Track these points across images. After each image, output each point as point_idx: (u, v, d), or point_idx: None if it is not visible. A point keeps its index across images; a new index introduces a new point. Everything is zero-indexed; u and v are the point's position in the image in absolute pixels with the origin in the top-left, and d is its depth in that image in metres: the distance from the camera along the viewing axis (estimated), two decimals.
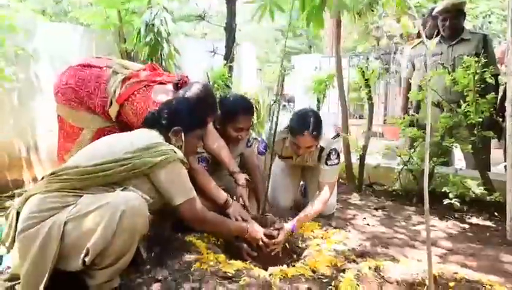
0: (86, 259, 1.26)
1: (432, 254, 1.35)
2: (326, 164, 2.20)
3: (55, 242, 1.26)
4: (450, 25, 3.04)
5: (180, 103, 1.74)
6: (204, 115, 1.79)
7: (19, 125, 3.20)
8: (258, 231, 1.82)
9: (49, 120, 3.18)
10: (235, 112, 2.10)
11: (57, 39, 3.39)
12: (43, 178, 1.42)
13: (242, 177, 2.05)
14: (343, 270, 1.62)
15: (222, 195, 1.94)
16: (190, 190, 1.56)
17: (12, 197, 2.74)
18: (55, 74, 3.34)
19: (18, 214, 1.35)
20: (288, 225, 1.96)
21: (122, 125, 2.11)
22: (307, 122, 1.99)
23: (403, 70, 4.45)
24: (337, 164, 2.22)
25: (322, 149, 2.21)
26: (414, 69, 3.40)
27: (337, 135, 2.27)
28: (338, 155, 2.22)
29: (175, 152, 1.51)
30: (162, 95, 2.00)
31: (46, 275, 1.25)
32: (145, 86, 2.02)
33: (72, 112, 2.09)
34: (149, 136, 1.57)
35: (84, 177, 1.36)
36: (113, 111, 2.05)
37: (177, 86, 2.02)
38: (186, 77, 2.07)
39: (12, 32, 2.61)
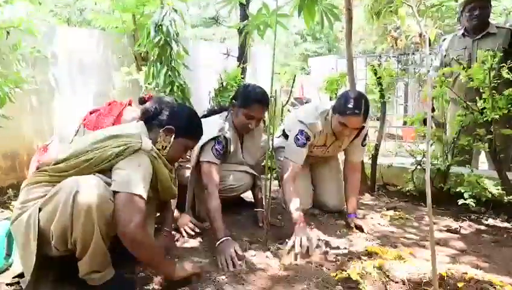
0: (53, 243, 1.30)
1: (435, 251, 1.29)
2: (363, 144, 2.34)
3: (33, 231, 1.31)
4: (479, 15, 2.85)
5: (183, 108, 1.73)
6: (200, 129, 1.73)
7: (37, 125, 3.31)
8: (187, 267, 1.52)
9: (66, 120, 3.32)
10: (250, 99, 2.12)
11: (75, 42, 3.51)
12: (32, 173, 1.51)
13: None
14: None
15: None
16: (135, 184, 1.34)
17: None
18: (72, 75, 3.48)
19: None
20: (350, 216, 2.24)
21: None
22: (360, 103, 1.96)
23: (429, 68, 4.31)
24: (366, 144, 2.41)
25: (362, 128, 2.21)
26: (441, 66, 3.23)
27: None
28: None
29: (140, 141, 1.43)
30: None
31: (33, 261, 1.30)
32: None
33: None
34: (128, 127, 1.53)
35: (57, 173, 1.40)
36: None
37: (143, 101, 1.94)
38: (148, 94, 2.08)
39: (30, 35, 2.71)
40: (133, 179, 1.35)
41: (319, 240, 1.95)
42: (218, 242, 1.75)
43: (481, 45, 2.86)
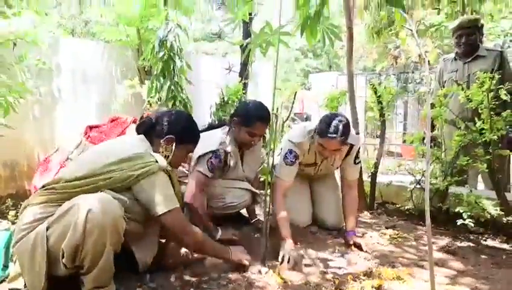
0: (64, 260, 1.29)
1: (434, 271, 1.29)
2: (355, 162, 2.34)
3: (41, 250, 1.30)
4: (466, 42, 3.00)
5: (179, 114, 1.77)
6: (198, 132, 1.79)
7: (38, 135, 3.33)
8: (241, 256, 1.76)
9: (68, 131, 3.33)
10: (252, 118, 2.16)
11: (79, 54, 3.56)
12: (35, 192, 1.49)
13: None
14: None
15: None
16: (172, 199, 1.51)
17: None
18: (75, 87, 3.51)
19: None
20: (349, 234, 2.23)
21: None
22: (336, 126, 2.01)
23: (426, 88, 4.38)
24: (360, 161, 2.40)
25: (351, 147, 2.27)
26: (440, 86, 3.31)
27: (357, 133, 2.36)
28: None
29: (157, 162, 1.49)
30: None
31: (43, 281, 1.30)
32: None
33: None
34: (133, 145, 1.56)
35: (68, 191, 1.40)
36: None
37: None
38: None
39: (35, 47, 2.75)
40: (168, 196, 1.50)
41: (315, 259, 1.98)
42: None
43: (471, 68, 2.97)
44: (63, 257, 1.29)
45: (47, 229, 1.32)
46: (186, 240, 1.61)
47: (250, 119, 2.16)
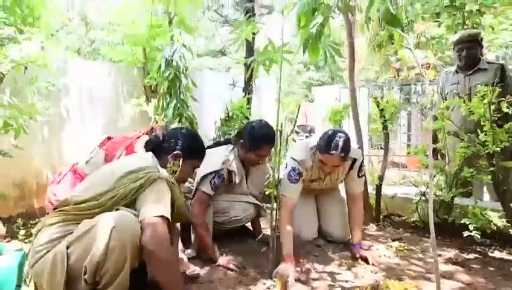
0: (86, 277, 1.32)
1: (441, 283, 1.31)
2: (359, 175, 2.37)
3: (61, 268, 1.34)
4: (466, 55, 3.04)
5: (185, 131, 1.85)
6: (203, 148, 1.87)
7: (48, 155, 3.39)
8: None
9: (76, 150, 3.39)
10: (259, 140, 2.22)
11: (86, 75, 3.64)
12: (48, 213, 1.53)
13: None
14: None
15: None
16: (164, 207, 1.46)
17: None
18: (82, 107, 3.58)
19: None
20: (355, 247, 2.27)
21: None
22: (336, 143, 2.05)
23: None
24: (364, 174, 2.41)
25: (354, 161, 2.30)
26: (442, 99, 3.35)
27: (359, 147, 2.43)
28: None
29: (158, 170, 1.53)
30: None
31: None
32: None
33: None
34: (137, 161, 1.60)
35: (79, 213, 1.44)
36: None
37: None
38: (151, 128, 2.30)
39: (45, 69, 2.83)
40: (161, 203, 1.47)
41: (322, 272, 2.01)
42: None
43: (472, 80, 3.01)
44: (85, 274, 1.33)
45: (67, 248, 1.36)
46: (158, 258, 1.40)
47: (257, 143, 2.22)
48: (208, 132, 3.97)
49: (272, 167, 2.49)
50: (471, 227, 2.33)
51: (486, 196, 3.22)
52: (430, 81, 3.35)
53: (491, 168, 2.46)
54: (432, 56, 6.05)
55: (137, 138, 2.33)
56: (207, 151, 1.90)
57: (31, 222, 2.98)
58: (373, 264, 2.12)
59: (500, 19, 5.00)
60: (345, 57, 3.37)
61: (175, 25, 3.76)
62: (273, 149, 2.25)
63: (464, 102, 2.58)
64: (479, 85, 2.62)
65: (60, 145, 3.47)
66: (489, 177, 2.50)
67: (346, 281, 1.90)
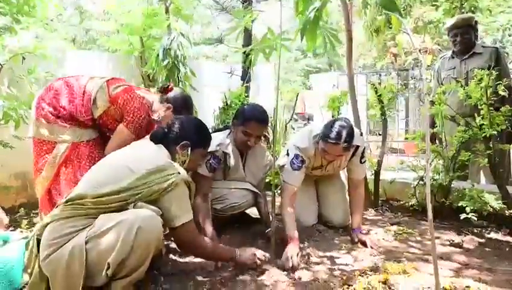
0: (108, 272, 1.36)
1: (438, 265, 1.35)
2: (361, 161, 2.39)
3: (80, 262, 1.35)
4: (461, 40, 3.06)
5: (190, 120, 1.85)
6: (209, 136, 1.89)
7: None
8: (245, 259, 1.80)
9: None
10: (247, 117, 2.23)
11: (84, 65, 3.63)
12: (57, 206, 1.52)
13: None
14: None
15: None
16: (188, 211, 1.59)
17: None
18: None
19: (38, 241, 1.45)
20: (355, 231, 2.30)
21: (98, 139, 2.25)
22: (339, 132, 2.05)
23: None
24: (366, 160, 2.48)
25: (356, 148, 2.31)
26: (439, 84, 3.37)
27: (361, 133, 2.44)
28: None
29: (179, 173, 1.54)
30: (149, 95, 2.25)
31: None
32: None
33: (49, 125, 2.13)
34: (155, 157, 1.60)
35: (96, 207, 1.44)
36: (97, 113, 2.16)
37: (163, 90, 2.24)
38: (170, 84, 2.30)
39: (44, 60, 2.82)
40: (186, 208, 1.58)
41: (323, 256, 2.05)
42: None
43: (468, 65, 3.04)
44: (107, 269, 1.35)
45: (85, 243, 1.37)
46: (195, 253, 1.78)
47: (244, 119, 2.23)
48: (206, 120, 3.97)
49: (271, 155, 2.53)
50: (468, 209, 2.38)
51: (483, 180, 3.27)
52: (428, 66, 3.36)
53: (488, 151, 2.49)
54: (430, 41, 6.05)
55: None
56: None
57: (33, 211, 3.00)
58: (372, 247, 2.17)
59: (497, 0, 4.98)
60: (343, 43, 3.36)
61: (171, 13, 3.73)
62: (271, 137, 2.27)
63: (462, 86, 2.60)
64: (475, 69, 2.65)
65: None
66: (486, 160, 2.54)
67: (346, 265, 1.95)
